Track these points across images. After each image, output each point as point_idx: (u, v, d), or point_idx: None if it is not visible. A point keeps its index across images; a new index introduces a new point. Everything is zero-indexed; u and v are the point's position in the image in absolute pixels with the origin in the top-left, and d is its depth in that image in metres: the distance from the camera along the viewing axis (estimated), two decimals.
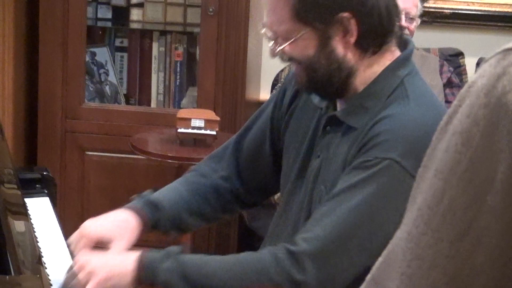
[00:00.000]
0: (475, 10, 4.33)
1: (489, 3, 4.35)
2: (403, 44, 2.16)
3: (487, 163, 0.89)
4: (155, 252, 2.04)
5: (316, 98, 2.25)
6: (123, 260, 2.04)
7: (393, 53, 2.13)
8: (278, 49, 2.06)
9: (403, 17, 3.74)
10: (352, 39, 2.04)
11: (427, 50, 4.06)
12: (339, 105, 2.17)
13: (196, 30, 4.18)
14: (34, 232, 2.24)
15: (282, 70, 4.13)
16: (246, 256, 2.10)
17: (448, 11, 4.36)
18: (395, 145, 2.01)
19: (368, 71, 2.11)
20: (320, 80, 2.09)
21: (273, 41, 2.09)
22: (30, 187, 2.60)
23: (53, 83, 4.07)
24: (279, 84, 3.85)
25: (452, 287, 0.92)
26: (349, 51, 2.06)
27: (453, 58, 4.07)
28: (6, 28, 3.95)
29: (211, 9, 3.91)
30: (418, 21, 3.83)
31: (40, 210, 2.51)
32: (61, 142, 4.13)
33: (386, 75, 2.10)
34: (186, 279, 2.01)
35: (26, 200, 2.44)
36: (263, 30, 2.13)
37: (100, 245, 2.18)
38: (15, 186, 2.25)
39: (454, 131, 0.93)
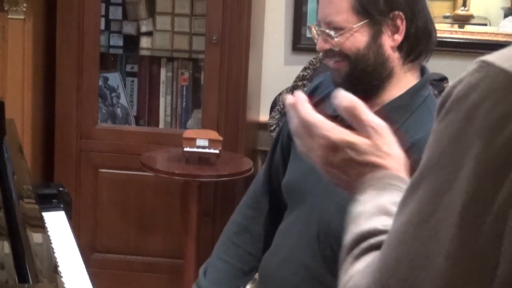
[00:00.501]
0: (458, 39, 4.34)
1: (471, 32, 4.39)
2: (422, 69, 2.14)
3: (451, 164, 0.91)
4: None
5: (332, 107, 2.23)
6: None
7: (418, 72, 2.12)
8: (334, 39, 2.02)
9: None
10: (399, 38, 2.03)
11: None
12: None
13: (201, 56, 4.20)
14: (51, 243, 2.25)
15: (280, 94, 4.14)
16: None
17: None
18: None
19: (402, 79, 2.08)
20: (364, 73, 2.05)
21: (323, 36, 2.06)
22: (47, 202, 2.60)
23: (69, 106, 4.07)
24: (277, 107, 3.87)
25: (413, 265, 0.92)
26: (394, 51, 2.05)
27: (437, 83, 4.07)
28: (26, 55, 3.97)
29: (214, 38, 3.93)
30: None
31: (56, 223, 2.52)
32: (76, 160, 4.13)
33: (413, 93, 2.08)
34: None
35: (44, 214, 2.42)
36: (314, 27, 2.10)
37: None
38: (33, 201, 2.23)
39: (433, 128, 0.95)
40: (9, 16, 3.92)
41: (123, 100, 4.36)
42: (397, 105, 2.07)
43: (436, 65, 4.21)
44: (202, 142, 3.66)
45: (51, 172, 4.17)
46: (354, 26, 2.02)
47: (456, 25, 4.44)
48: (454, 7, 4.46)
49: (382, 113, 2.04)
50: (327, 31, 2.03)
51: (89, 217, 4.13)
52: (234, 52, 3.96)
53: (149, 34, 4.27)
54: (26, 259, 1.77)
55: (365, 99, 2.07)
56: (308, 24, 2.14)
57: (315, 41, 2.10)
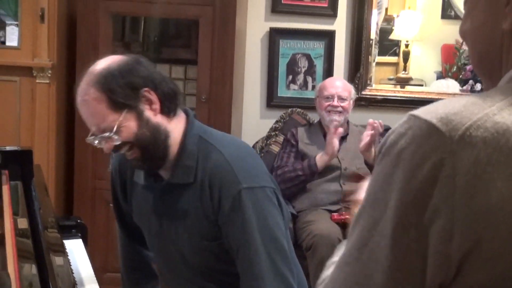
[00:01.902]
0: (400, 97, 4.41)
1: (410, 91, 4.47)
2: (186, 112, 2.11)
3: (384, 197, 0.91)
4: None
5: (140, 178, 2.14)
6: None
7: (183, 117, 2.07)
8: (113, 137, 1.95)
9: (335, 98, 3.87)
10: (157, 106, 1.98)
11: (364, 126, 4.02)
12: (164, 173, 2.09)
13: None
14: (70, 265, 2.24)
15: (257, 142, 4.19)
16: None
17: (380, 97, 4.40)
18: (232, 178, 1.96)
19: (176, 130, 2.03)
20: (151, 145, 1.98)
21: (104, 141, 1.97)
22: (67, 231, 2.59)
23: (85, 153, 4.07)
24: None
25: (356, 282, 0.93)
26: (159, 117, 1.99)
27: (383, 133, 4.10)
28: (50, 113, 3.99)
29: (203, 97, 3.97)
30: (351, 101, 3.92)
31: (75, 249, 2.51)
32: (91, 197, 4.12)
33: (187, 138, 2.03)
34: None
35: (64, 241, 2.42)
36: (94, 142, 1.98)
37: None
38: (56, 231, 2.22)
39: (373, 169, 0.96)
40: (37, 81, 3.94)
41: None
42: (186, 156, 2.03)
43: (382, 118, 4.20)
44: None
45: (71, 207, 4.16)
46: (120, 119, 1.93)
47: (398, 86, 4.48)
48: (397, 71, 4.51)
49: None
50: (106, 135, 1.94)
51: (102, 243, 4.10)
52: (219, 108, 3.99)
53: None
54: (49, 279, 1.78)
55: (161, 165, 2.03)
56: (86, 140, 2.01)
57: (100, 147, 1.99)
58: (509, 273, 0.85)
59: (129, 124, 1.96)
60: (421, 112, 0.90)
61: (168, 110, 2.01)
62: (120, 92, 1.93)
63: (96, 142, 1.98)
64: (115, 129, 1.93)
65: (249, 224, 1.94)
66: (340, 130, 3.78)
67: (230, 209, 1.95)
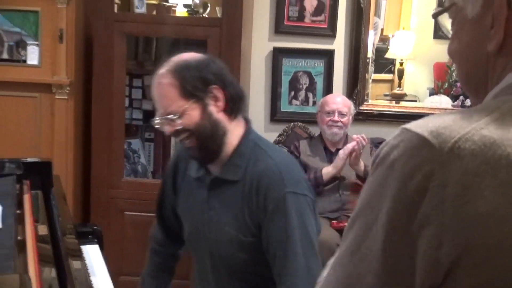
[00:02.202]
0: (394, 111, 4.39)
1: (404, 106, 4.44)
2: (247, 120, 2.15)
3: (377, 204, 0.90)
4: None
5: (192, 171, 2.20)
6: None
7: (243, 123, 2.13)
8: (176, 121, 2.01)
9: (336, 114, 3.90)
10: (222, 104, 2.04)
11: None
12: (214, 169, 2.13)
13: None
14: (87, 269, 2.25)
15: None
16: None
17: (376, 112, 4.39)
18: (281, 182, 2.00)
19: (233, 133, 2.08)
20: (207, 138, 2.04)
21: (167, 122, 2.03)
22: (85, 237, 2.60)
23: (101, 164, 4.08)
24: None
25: (348, 283, 0.93)
26: (221, 114, 2.05)
27: (379, 145, 4.14)
28: (68, 126, 4.01)
29: None
30: (350, 116, 3.92)
31: (92, 254, 2.52)
32: (106, 205, 4.11)
33: (243, 143, 2.09)
34: None
35: (82, 246, 2.44)
36: (159, 123, 2.06)
37: None
38: (74, 237, 2.24)
39: (367, 179, 0.95)
40: (56, 97, 3.96)
41: (142, 159, 4.35)
42: (237, 156, 2.08)
43: (378, 131, 4.23)
44: None
45: (88, 214, 4.16)
46: (186, 106, 2.01)
47: (393, 101, 4.46)
48: (392, 88, 4.50)
49: None
50: (170, 117, 2.01)
51: (117, 248, 4.09)
52: None
53: None
54: (68, 282, 1.79)
55: (214, 159, 2.09)
56: (152, 121, 2.09)
57: (162, 130, 2.08)
58: (496, 279, 0.84)
59: (193, 113, 2.02)
60: (413, 125, 0.90)
61: (231, 110, 2.07)
62: (192, 83, 2.01)
63: (160, 123, 2.06)
64: (179, 114, 2.00)
65: (290, 225, 1.98)
66: (358, 150, 3.79)
67: (274, 209, 1.99)
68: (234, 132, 2.09)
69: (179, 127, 2.03)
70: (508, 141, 0.86)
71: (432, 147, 0.86)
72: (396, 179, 0.88)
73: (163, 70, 2.06)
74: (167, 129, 2.05)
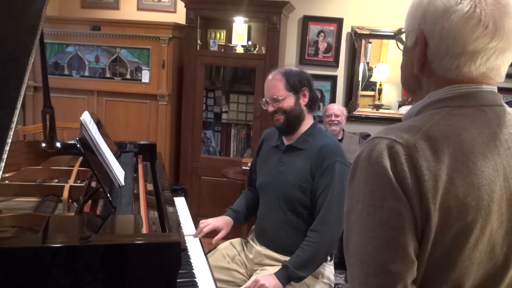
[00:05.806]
0: (375, 116, 4.25)
1: (382, 112, 4.27)
2: (314, 117, 2.14)
3: (356, 192, 0.86)
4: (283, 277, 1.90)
5: (273, 141, 2.15)
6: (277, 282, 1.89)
7: (311, 117, 2.12)
8: (279, 103, 2.01)
9: (333, 116, 3.75)
10: (306, 100, 2.06)
11: (354, 133, 3.98)
12: (288, 141, 2.10)
13: (250, 123, 4.15)
14: (177, 212, 2.27)
15: None
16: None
17: (364, 115, 4.26)
18: (335, 154, 1.97)
19: (307, 120, 2.08)
20: (294, 118, 2.04)
21: (271, 102, 2.03)
22: (176, 192, 2.59)
23: (187, 146, 4.04)
24: None
25: (346, 237, 0.88)
26: (304, 107, 2.06)
27: (366, 137, 4.02)
28: (167, 122, 3.95)
29: (257, 114, 3.90)
30: (344, 117, 3.79)
31: (180, 203, 2.50)
32: (190, 172, 4.08)
33: (312, 127, 2.08)
34: (301, 271, 1.91)
35: (174, 198, 2.46)
36: (264, 102, 2.06)
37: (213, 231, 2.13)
38: (169, 191, 2.23)
39: (355, 177, 0.88)
40: (159, 103, 3.95)
41: (213, 144, 4.30)
42: (307, 134, 2.06)
43: (365, 128, 4.15)
44: (249, 164, 3.56)
45: (178, 178, 4.14)
46: (288, 96, 2.02)
47: (375, 109, 4.32)
48: (374, 100, 4.36)
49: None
50: (275, 97, 2.02)
51: (196, 200, 4.07)
52: (265, 121, 3.88)
53: (226, 112, 4.24)
54: (165, 220, 1.78)
55: (292, 133, 2.04)
56: (261, 102, 2.06)
57: (265, 108, 2.06)
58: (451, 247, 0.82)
59: (289, 100, 2.04)
60: (380, 133, 0.87)
61: (309, 106, 2.08)
62: (293, 81, 2.03)
63: (266, 103, 2.05)
64: (282, 99, 2.02)
65: (333, 182, 1.95)
66: None
67: (326, 169, 1.96)
68: (307, 119, 2.09)
69: (277, 107, 2.03)
70: (423, 154, 0.83)
71: (400, 144, 0.84)
72: (370, 174, 0.84)
73: (275, 71, 2.07)
74: (270, 107, 2.05)
